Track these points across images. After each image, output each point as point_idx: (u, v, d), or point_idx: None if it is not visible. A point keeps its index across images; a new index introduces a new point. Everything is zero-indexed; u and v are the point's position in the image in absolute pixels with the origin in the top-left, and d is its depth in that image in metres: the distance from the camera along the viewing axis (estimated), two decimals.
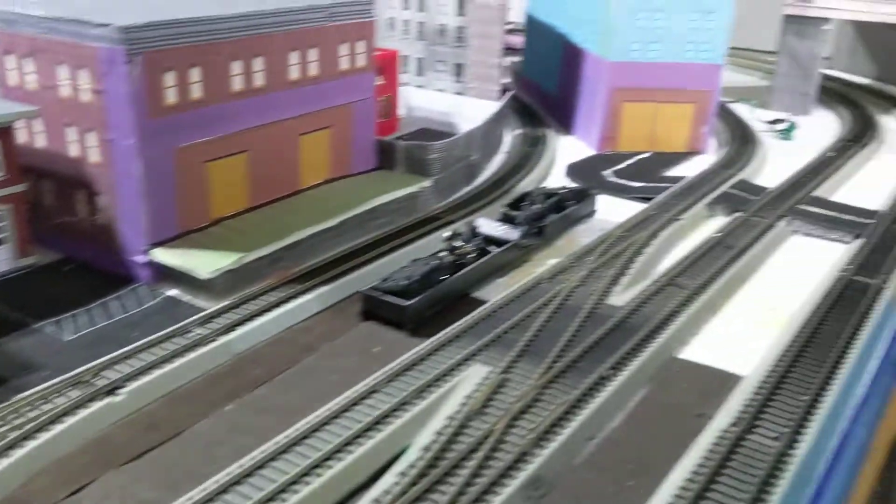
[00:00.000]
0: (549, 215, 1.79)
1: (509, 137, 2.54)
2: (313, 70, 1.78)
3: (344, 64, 1.87)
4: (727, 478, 1.05)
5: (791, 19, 2.96)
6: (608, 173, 2.25)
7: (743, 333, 1.45)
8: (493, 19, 2.49)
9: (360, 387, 1.18)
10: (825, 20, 2.92)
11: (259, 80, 1.69)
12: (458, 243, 1.58)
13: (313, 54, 1.77)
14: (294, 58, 1.74)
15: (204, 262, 1.52)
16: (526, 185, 2.07)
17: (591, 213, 1.94)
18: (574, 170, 2.25)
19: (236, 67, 1.63)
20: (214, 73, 1.58)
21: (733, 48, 4.18)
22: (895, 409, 1.53)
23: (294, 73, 1.74)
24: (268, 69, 1.68)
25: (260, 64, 1.68)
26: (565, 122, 2.71)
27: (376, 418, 1.12)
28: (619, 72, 2.38)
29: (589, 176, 2.21)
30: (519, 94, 3.21)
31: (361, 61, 1.90)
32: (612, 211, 1.95)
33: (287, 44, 1.72)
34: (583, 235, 1.83)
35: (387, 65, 2.50)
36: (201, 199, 1.64)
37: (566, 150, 2.45)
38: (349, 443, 1.09)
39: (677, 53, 2.38)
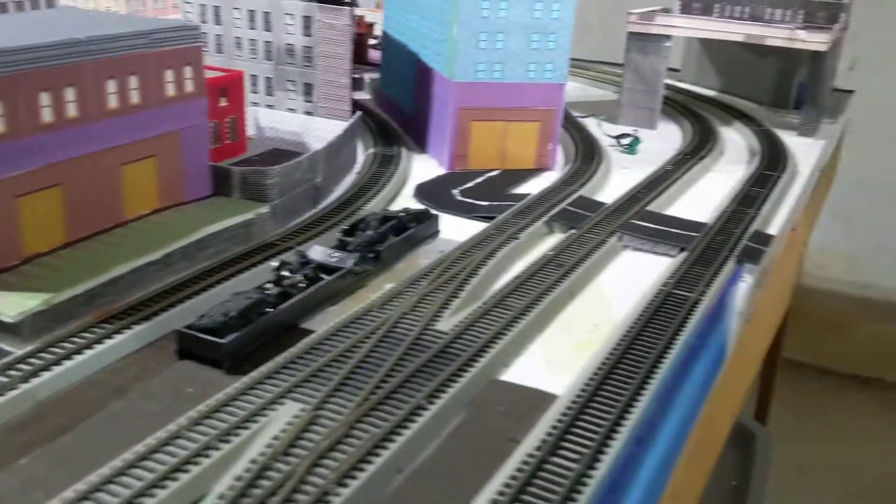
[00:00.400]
0: (387, 239, 1.79)
1: (363, 157, 2.53)
2: (134, 98, 1.72)
3: (170, 90, 1.81)
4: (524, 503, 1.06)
5: (634, 36, 3.08)
6: (456, 192, 2.27)
7: (566, 352, 1.48)
8: (340, 39, 2.48)
9: (162, 433, 1.14)
10: (667, 37, 3.05)
11: (72, 111, 1.61)
12: (286, 273, 1.56)
13: (133, 82, 1.72)
14: (112, 86, 1.68)
15: (10, 304, 1.44)
16: (373, 206, 2.06)
17: (433, 235, 1.95)
18: (422, 190, 2.26)
19: (45, 99, 1.56)
20: (19, 105, 1.50)
21: (587, 61, 4.31)
22: (713, 413, 1.59)
23: (112, 102, 1.68)
24: (81, 99, 1.61)
25: (72, 94, 1.61)
26: (420, 141, 2.72)
27: (173, 467, 1.08)
28: (466, 92, 2.42)
29: (437, 196, 2.22)
30: (377, 110, 3.21)
31: (189, 87, 1.85)
32: (456, 231, 1.97)
33: (103, 72, 1.66)
34: (424, 258, 1.84)
35: (232, 86, 2.46)
36: (11, 235, 1.55)
37: (418, 170, 2.46)
38: (141, 494, 1.04)
39: (521, 74, 2.43)
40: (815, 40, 2.84)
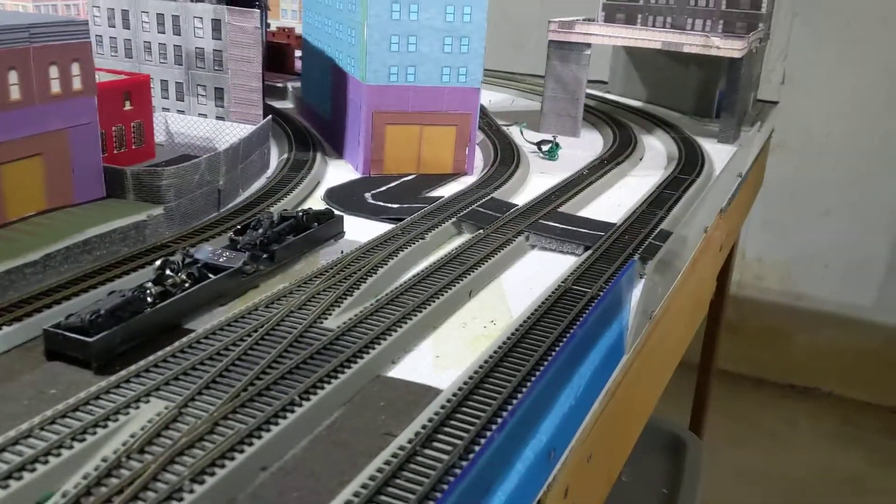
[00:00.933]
0: (284, 239, 1.74)
1: (276, 162, 2.49)
2: (15, 94, 1.66)
3: (55, 87, 1.75)
4: (386, 496, 1.02)
5: (555, 44, 3.09)
6: (368, 196, 2.24)
7: (458, 348, 1.45)
8: (250, 43, 2.44)
9: (12, 432, 1.08)
10: (587, 45, 3.07)
11: None
12: (168, 272, 1.50)
13: (13, 77, 1.65)
14: None
15: None
16: (278, 209, 2.02)
17: (337, 235, 1.91)
18: (333, 194, 2.22)
19: None
20: None
21: (522, 74, 4.34)
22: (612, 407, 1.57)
23: None
24: None
25: None
26: (337, 147, 2.69)
27: (17, 466, 1.02)
28: (378, 95, 2.39)
29: (348, 199, 2.18)
30: (299, 118, 3.17)
31: (77, 84, 1.79)
32: (364, 233, 1.93)
33: None
34: (325, 259, 1.80)
35: (136, 89, 2.40)
36: None
37: (333, 175, 2.43)
38: None
39: (435, 77, 2.42)
40: (729, 47, 2.88)
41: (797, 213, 5.84)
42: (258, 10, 2.41)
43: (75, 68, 1.75)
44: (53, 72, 1.70)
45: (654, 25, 3.36)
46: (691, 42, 2.95)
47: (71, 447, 1.06)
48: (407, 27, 2.35)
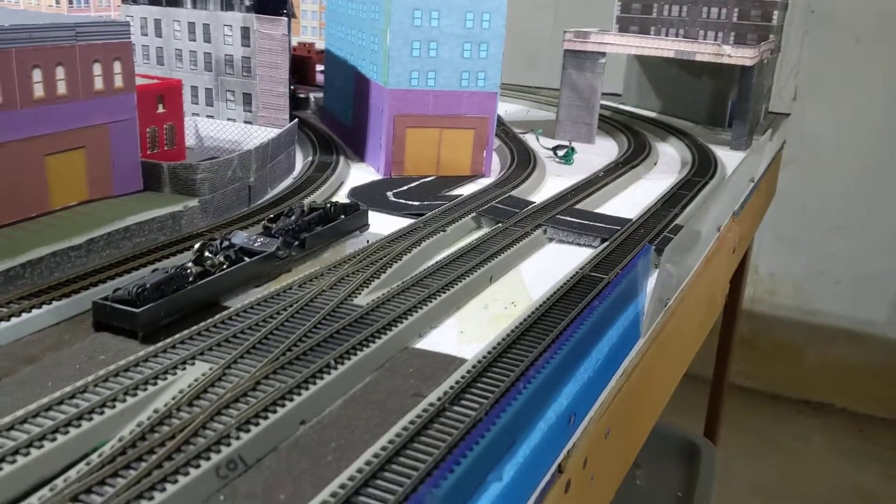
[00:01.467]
0: (313, 228, 1.83)
1: (301, 164, 2.58)
2: (61, 89, 1.75)
3: (98, 84, 1.85)
4: (419, 444, 1.09)
5: (570, 54, 3.18)
6: (389, 194, 2.32)
7: (480, 325, 1.52)
8: (278, 49, 2.55)
9: (69, 388, 1.15)
10: (601, 54, 3.16)
11: None
12: (207, 254, 1.59)
13: (60, 73, 1.75)
14: (37, 75, 1.71)
15: None
16: (307, 202, 2.11)
17: (363, 227, 1.99)
18: (356, 192, 2.30)
19: None
20: None
21: (537, 87, 4.44)
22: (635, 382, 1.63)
23: (38, 91, 1.71)
24: (4, 86, 1.64)
25: None
26: (358, 151, 2.78)
27: (74, 416, 1.09)
28: (400, 99, 2.48)
29: (371, 197, 2.27)
30: (321, 126, 3.27)
31: (119, 82, 1.89)
32: (387, 227, 2.01)
33: (28, 61, 1.69)
34: (351, 247, 1.88)
35: (169, 93, 2.50)
36: None
37: (355, 176, 2.52)
38: (41, 438, 1.05)
39: (454, 82, 2.51)
40: (741, 55, 2.96)
41: (809, 229, 5.88)
42: (286, 19, 2.52)
43: (117, 66, 1.84)
44: (97, 69, 1.80)
45: (667, 36, 3.45)
46: (703, 51, 3.03)
47: (124, 401, 1.14)
48: (428, 33, 2.44)
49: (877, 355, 5.87)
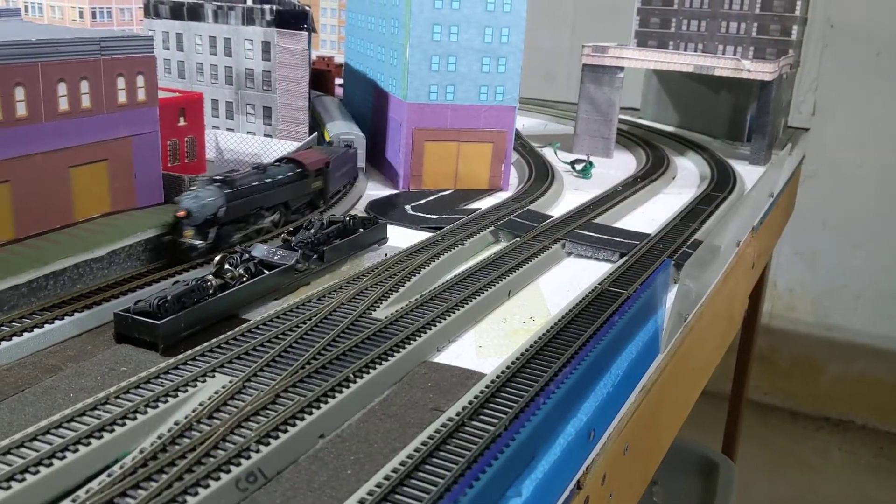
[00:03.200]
0: (332, 241, 1.83)
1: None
2: (85, 102, 1.78)
3: (121, 97, 1.87)
4: (438, 459, 1.09)
5: (588, 68, 3.18)
6: (408, 208, 2.33)
7: (499, 339, 1.52)
8: (298, 63, 2.57)
9: (90, 399, 1.16)
10: (619, 69, 3.16)
11: (21, 110, 1.66)
12: (227, 266, 1.60)
13: (84, 86, 1.77)
14: (62, 89, 1.73)
15: None
16: (326, 215, 2.12)
17: (381, 241, 2.00)
18: (375, 206, 2.31)
19: None
20: None
21: (555, 101, 4.44)
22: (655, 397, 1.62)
23: (63, 105, 1.73)
24: (30, 99, 1.66)
25: (21, 94, 1.66)
26: (377, 164, 2.79)
27: (96, 427, 1.10)
28: (419, 113, 2.49)
29: (389, 210, 2.28)
30: None
31: (141, 95, 1.91)
32: (405, 240, 2.01)
33: (53, 74, 1.72)
34: (370, 260, 1.88)
35: (190, 106, 2.52)
36: None
37: (374, 190, 2.53)
38: (64, 449, 1.06)
39: (473, 96, 2.52)
40: (760, 70, 2.96)
41: (829, 244, 5.84)
42: (306, 33, 2.54)
43: (140, 80, 1.86)
44: (121, 83, 1.82)
45: (685, 51, 3.45)
46: (723, 65, 3.03)
47: (145, 412, 1.15)
48: (447, 48, 2.45)
49: None
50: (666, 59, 3.01)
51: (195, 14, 2.64)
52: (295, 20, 2.53)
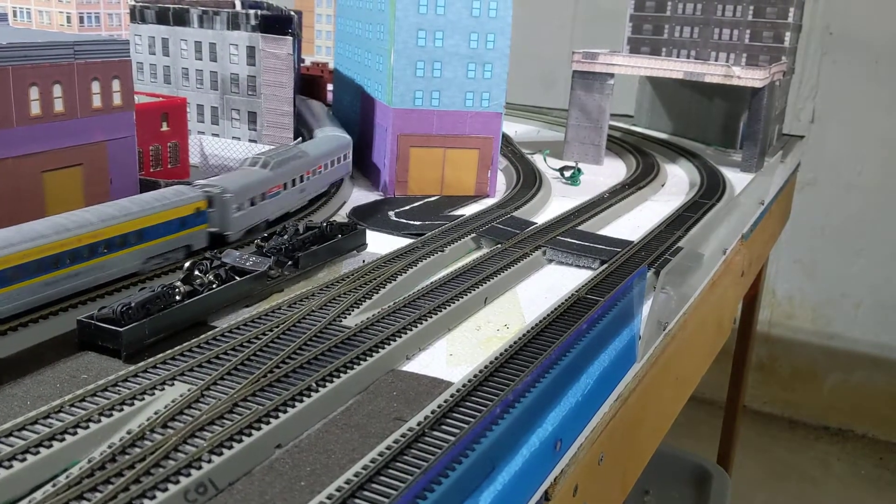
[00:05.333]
0: (309, 247, 1.81)
1: None
2: (58, 106, 1.76)
3: (96, 102, 1.86)
4: (394, 470, 1.06)
5: (578, 75, 3.16)
6: (391, 214, 2.31)
7: (470, 348, 1.50)
8: (283, 68, 2.55)
9: (45, 408, 1.14)
10: (609, 76, 3.14)
11: None
12: (196, 273, 1.58)
13: (58, 90, 1.76)
14: (34, 93, 1.72)
15: None
16: (304, 221, 2.10)
17: (360, 247, 1.98)
18: (357, 212, 2.29)
19: None
20: None
21: (549, 108, 4.43)
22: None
23: (35, 109, 1.72)
24: (1, 103, 1.65)
25: None
26: (364, 169, 2.77)
27: (47, 436, 1.08)
28: (404, 118, 2.47)
29: (372, 216, 2.26)
30: None
31: (117, 100, 1.90)
32: (386, 246, 1.99)
33: (25, 79, 1.70)
34: (347, 267, 1.86)
35: (173, 111, 2.51)
36: None
37: (359, 195, 2.51)
38: (10, 458, 1.04)
39: (458, 102, 2.50)
40: (750, 77, 2.93)
41: (828, 252, 5.80)
42: (291, 38, 2.53)
43: (116, 84, 1.85)
44: (95, 87, 1.81)
45: (678, 58, 3.43)
46: (713, 72, 3.01)
47: (99, 421, 1.13)
48: (432, 53, 2.44)
49: None
50: (656, 65, 2.99)
51: (181, 19, 2.63)
52: (280, 25, 2.52)
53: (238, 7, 2.83)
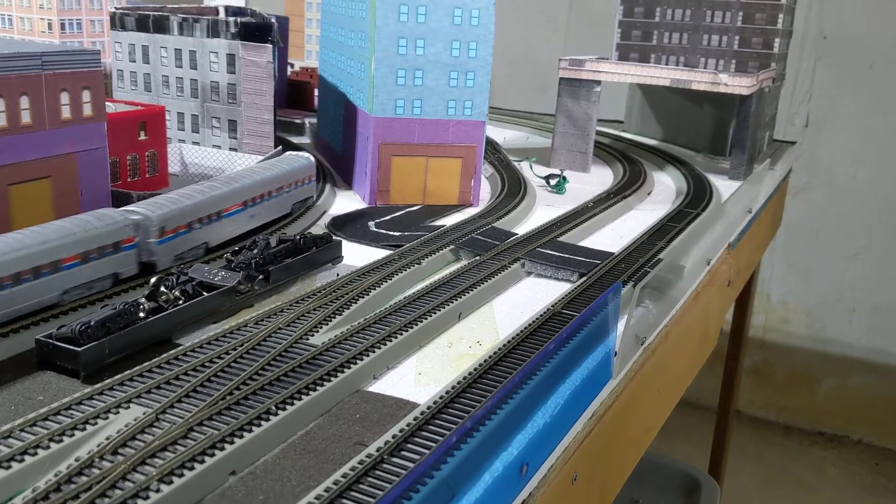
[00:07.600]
0: (282, 260, 1.78)
1: None
2: (26, 118, 1.73)
3: (65, 113, 1.83)
4: (349, 500, 1.03)
5: (565, 82, 3.14)
6: (371, 224, 2.28)
7: (441, 366, 1.47)
8: (263, 76, 2.52)
9: None
10: (596, 82, 3.11)
11: None
12: (162, 289, 1.55)
13: (24, 102, 1.73)
14: (0, 105, 1.69)
15: None
16: (277, 234, 2.07)
17: (336, 259, 1.95)
18: (337, 222, 2.26)
19: None
20: None
21: (540, 114, 4.40)
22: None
23: (1, 121, 1.69)
24: None
25: None
26: (347, 178, 2.75)
27: None
28: (385, 127, 2.45)
29: (351, 227, 2.23)
30: (315, 153, 3.24)
31: (88, 111, 1.87)
32: (363, 258, 1.96)
33: None
34: (321, 280, 1.83)
35: (151, 120, 2.48)
36: None
37: (341, 205, 2.48)
38: None
39: (441, 111, 2.47)
40: (737, 84, 2.90)
41: (823, 257, 5.77)
42: (271, 46, 2.50)
43: (86, 95, 1.82)
44: (64, 98, 1.78)
45: (667, 64, 3.40)
46: (700, 79, 2.98)
47: (48, 447, 1.10)
48: (413, 62, 2.41)
49: (894, 386, 5.73)
50: (643, 72, 2.96)
51: (161, 26, 2.61)
52: (260, 33, 2.49)
53: (221, 14, 2.80)
